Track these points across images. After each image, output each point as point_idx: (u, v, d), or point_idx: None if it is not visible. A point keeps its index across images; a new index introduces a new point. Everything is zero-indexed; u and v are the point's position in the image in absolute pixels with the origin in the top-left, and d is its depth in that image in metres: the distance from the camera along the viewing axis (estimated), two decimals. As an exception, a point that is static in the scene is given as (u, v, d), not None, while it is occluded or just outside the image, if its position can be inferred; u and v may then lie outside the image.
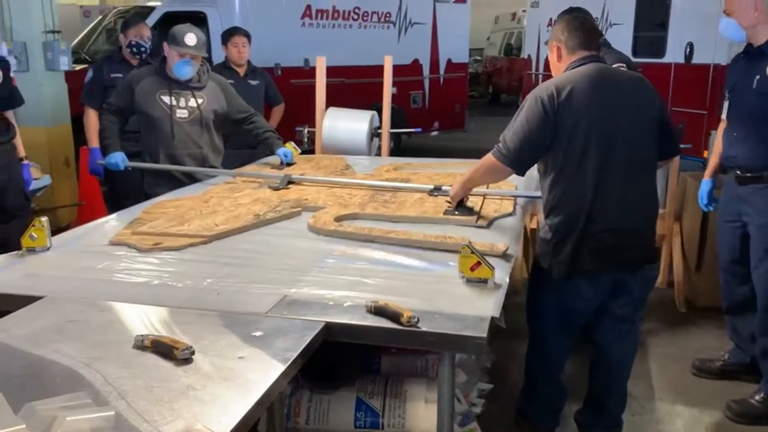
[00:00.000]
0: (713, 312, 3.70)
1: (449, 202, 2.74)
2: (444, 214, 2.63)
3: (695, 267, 4.18)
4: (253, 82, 4.97)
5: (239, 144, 4.50)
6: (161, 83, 3.51)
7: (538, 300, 2.47)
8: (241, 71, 4.91)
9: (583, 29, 2.35)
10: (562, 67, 2.36)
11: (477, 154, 4.87)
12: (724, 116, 3.09)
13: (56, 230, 2.61)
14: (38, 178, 4.20)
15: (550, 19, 8.92)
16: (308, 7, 8.03)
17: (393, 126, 5.60)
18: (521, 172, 2.38)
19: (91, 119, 4.33)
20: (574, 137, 2.20)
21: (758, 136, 2.90)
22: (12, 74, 3.90)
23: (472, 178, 2.54)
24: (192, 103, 3.55)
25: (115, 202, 4.34)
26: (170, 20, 7.33)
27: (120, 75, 4.28)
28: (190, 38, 3.42)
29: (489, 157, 2.37)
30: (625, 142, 2.26)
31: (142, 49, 4.43)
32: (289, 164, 3.73)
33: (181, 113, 3.52)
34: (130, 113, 3.63)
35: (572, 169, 2.23)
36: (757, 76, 2.87)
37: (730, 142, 3.04)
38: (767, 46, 2.89)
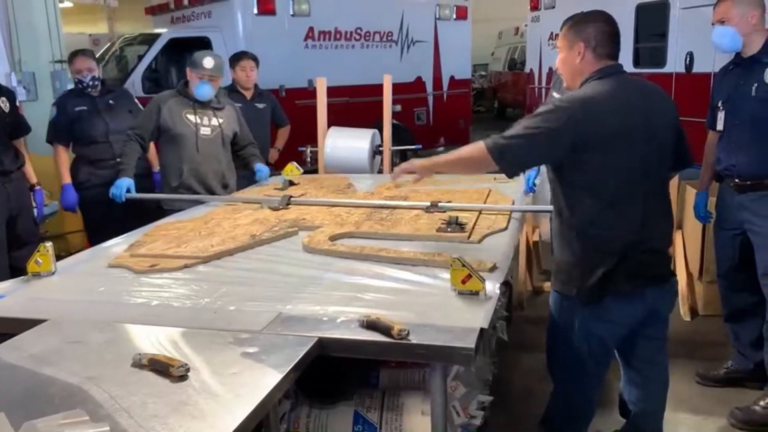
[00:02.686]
0: (717, 319, 3.70)
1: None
2: (437, 231, 2.67)
3: (698, 274, 4.19)
4: (260, 105, 5.07)
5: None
6: (185, 103, 3.80)
7: (567, 329, 2.22)
8: (248, 95, 5.00)
9: (615, 39, 2.17)
10: (581, 70, 2.18)
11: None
12: (720, 127, 3.10)
13: (67, 256, 2.68)
14: (47, 204, 4.29)
15: (551, 33, 8.99)
16: (311, 29, 8.17)
17: (397, 143, 5.69)
18: (509, 173, 2.17)
19: (61, 156, 4.23)
20: (615, 155, 2.04)
21: (759, 144, 2.93)
22: (19, 103, 4.02)
23: (448, 161, 2.33)
24: (214, 122, 3.85)
25: (95, 232, 4.23)
26: (175, 46, 7.51)
27: (84, 107, 4.19)
28: (208, 61, 3.73)
29: (479, 145, 2.13)
30: (659, 155, 2.14)
31: (84, 84, 4.21)
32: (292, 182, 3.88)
33: (205, 131, 3.81)
34: (155, 134, 3.81)
35: (614, 188, 2.07)
36: (755, 84, 2.91)
37: (728, 152, 3.06)
38: (762, 54, 2.93)
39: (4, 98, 3.66)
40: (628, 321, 2.23)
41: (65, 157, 4.27)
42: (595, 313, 2.15)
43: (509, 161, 2.11)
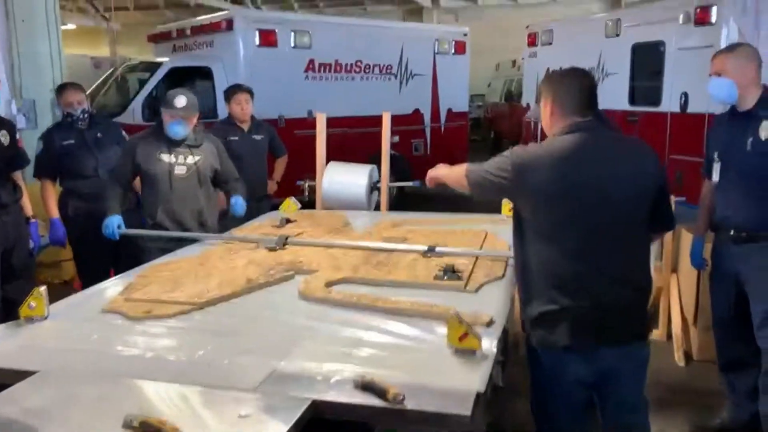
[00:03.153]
0: (713, 365, 3.68)
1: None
2: (434, 279, 2.67)
3: (693, 319, 4.18)
4: (257, 137, 5.09)
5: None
6: (160, 143, 3.73)
7: (532, 369, 2.31)
8: (245, 127, 5.02)
9: (582, 94, 2.22)
10: (552, 124, 2.27)
11: (478, 203, 4.92)
12: (716, 178, 3.11)
13: (61, 284, 2.66)
14: (43, 236, 4.27)
15: (548, 69, 9.08)
16: (311, 61, 8.25)
17: (396, 172, 5.71)
18: (478, 197, 2.43)
19: (48, 191, 4.20)
20: (549, 207, 2.14)
21: (755, 197, 2.94)
22: (19, 135, 4.01)
23: (448, 177, 2.56)
24: (190, 160, 3.76)
25: (86, 264, 4.33)
26: (176, 75, 7.55)
27: (72, 141, 4.17)
28: (180, 101, 3.65)
29: (463, 170, 2.40)
30: (615, 213, 2.14)
31: (75, 117, 4.19)
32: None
33: (180, 170, 3.73)
34: (133, 174, 3.79)
35: (546, 236, 2.16)
36: (750, 138, 2.92)
37: (724, 203, 3.08)
38: (758, 108, 2.95)
39: (4, 131, 3.65)
40: (581, 376, 2.20)
41: (52, 191, 4.24)
42: (547, 359, 2.21)
43: (477, 192, 2.38)
